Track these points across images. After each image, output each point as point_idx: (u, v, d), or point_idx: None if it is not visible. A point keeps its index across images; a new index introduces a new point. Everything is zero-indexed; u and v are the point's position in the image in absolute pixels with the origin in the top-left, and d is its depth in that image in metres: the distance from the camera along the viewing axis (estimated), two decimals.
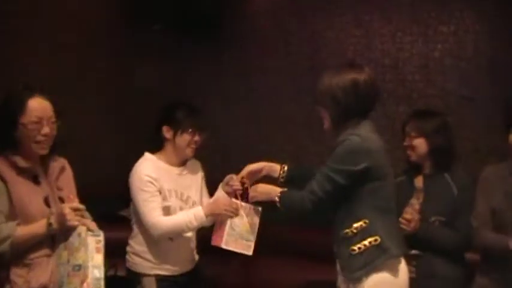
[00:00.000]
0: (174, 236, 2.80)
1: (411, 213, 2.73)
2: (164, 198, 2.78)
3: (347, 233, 2.30)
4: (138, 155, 2.88)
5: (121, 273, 3.64)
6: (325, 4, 4.13)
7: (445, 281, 2.73)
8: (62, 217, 2.09)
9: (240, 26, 4.38)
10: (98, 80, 4.32)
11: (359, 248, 2.27)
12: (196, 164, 2.98)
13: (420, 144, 2.81)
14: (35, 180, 2.19)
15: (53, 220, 2.09)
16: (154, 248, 2.81)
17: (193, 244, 2.94)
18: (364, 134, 2.31)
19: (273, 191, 2.45)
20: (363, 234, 2.27)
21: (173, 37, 4.41)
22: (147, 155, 2.85)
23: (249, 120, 4.37)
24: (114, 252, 3.73)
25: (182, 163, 2.89)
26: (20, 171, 2.15)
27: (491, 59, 3.70)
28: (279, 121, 4.34)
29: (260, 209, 2.70)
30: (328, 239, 3.39)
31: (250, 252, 2.69)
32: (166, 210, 2.77)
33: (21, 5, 3.84)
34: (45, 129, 2.16)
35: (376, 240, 2.27)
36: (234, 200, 2.70)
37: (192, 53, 4.54)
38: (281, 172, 2.59)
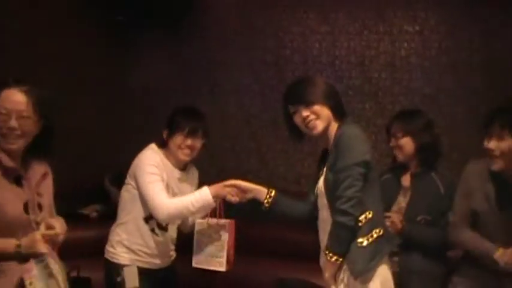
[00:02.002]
0: (179, 219, 2.80)
1: (397, 216, 2.76)
2: None
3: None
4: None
5: (84, 274, 3.55)
6: (291, 0, 4.09)
7: (425, 277, 2.76)
8: (32, 243, 2.00)
9: (205, 20, 4.31)
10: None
11: (367, 240, 2.26)
12: (195, 173, 2.98)
13: (406, 143, 2.85)
14: (17, 181, 2.07)
15: (23, 243, 2.00)
16: (140, 239, 2.78)
17: (174, 242, 2.94)
18: (355, 125, 2.38)
19: (325, 261, 2.32)
20: (368, 226, 2.27)
21: (135, 29, 4.30)
22: (153, 145, 2.83)
23: (212, 116, 4.28)
24: (75, 253, 3.66)
25: (182, 167, 2.87)
26: (4, 170, 2.02)
27: (454, 58, 3.74)
28: (242, 117, 4.29)
29: (227, 223, 2.70)
30: (299, 237, 3.42)
31: (223, 269, 2.70)
32: None
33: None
34: (12, 123, 2.03)
35: (380, 231, 2.28)
36: (199, 220, 2.76)
37: (154, 46, 4.45)
38: (267, 196, 2.56)
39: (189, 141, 2.76)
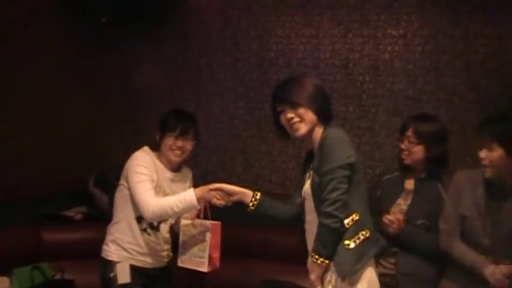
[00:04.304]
0: (165, 218, 2.85)
1: (394, 214, 2.78)
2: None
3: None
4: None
5: (68, 276, 3.53)
6: (275, 3, 4.11)
7: (420, 279, 2.79)
8: None
9: (189, 22, 4.31)
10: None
11: (354, 242, 2.27)
12: (188, 173, 3.03)
13: (418, 151, 2.86)
14: None
15: None
16: (132, 238, 2.86)
17: (168, 242, 3.00)
18: (339, 129, 2.41)
19: (312, 262, 2.35)
20: (355, 228, 2.29)
21: (119, 30, 4.28)
22: (146, 148, 2.90)
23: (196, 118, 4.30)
24: (59, 255, 3.64)
25: (175, 169, 2.93)
26: None
27: (436, 61, 3.78)
28: (227, 119, 4.29)
29: (211, 224, 2.73)
30: (286, 239, 3.43)
31: (204, 269, 2.74)
32: None
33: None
34: None
35: (366, 232, 2.31)
36: (184, 221, 2.81)
37: (138, 48, 4.43)
38: (253, 199, 2.57)
39: (179, 143, 2.83)
